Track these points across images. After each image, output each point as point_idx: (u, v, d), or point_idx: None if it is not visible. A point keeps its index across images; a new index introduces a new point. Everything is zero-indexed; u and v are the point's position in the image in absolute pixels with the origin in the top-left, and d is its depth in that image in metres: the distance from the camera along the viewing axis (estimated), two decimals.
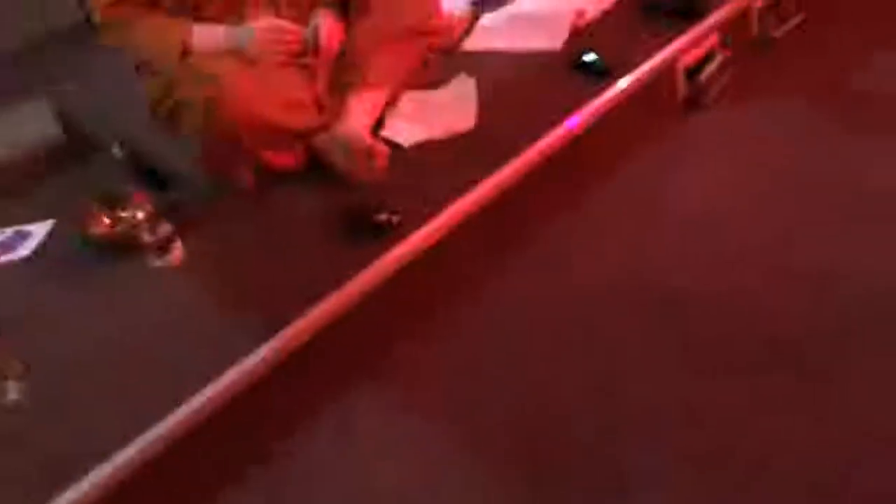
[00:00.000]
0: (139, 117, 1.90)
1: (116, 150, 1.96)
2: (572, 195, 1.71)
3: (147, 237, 1.51)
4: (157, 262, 1.52)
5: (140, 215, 1.55)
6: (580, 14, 2.14)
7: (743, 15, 2.10)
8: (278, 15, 1.77)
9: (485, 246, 1.58)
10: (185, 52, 1.68)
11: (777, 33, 2.17)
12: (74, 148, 2.05)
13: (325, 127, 1.70)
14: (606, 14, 2.17)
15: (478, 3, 2.39)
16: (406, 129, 1.78)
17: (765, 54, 2.13)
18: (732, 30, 2.06)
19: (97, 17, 1.74)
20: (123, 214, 1.61)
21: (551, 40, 2.07)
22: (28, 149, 2.03)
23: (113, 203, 1.62)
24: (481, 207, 1.55)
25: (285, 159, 1.70)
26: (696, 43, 1.96)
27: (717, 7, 2.04)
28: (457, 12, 2.26)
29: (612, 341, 1.38)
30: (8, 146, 2.03)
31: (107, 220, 1.61)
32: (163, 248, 1.51)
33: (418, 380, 1.38)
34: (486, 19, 2.28)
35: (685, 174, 1.77)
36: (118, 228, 1.59)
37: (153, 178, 1.78)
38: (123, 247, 1.55)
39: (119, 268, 1.55)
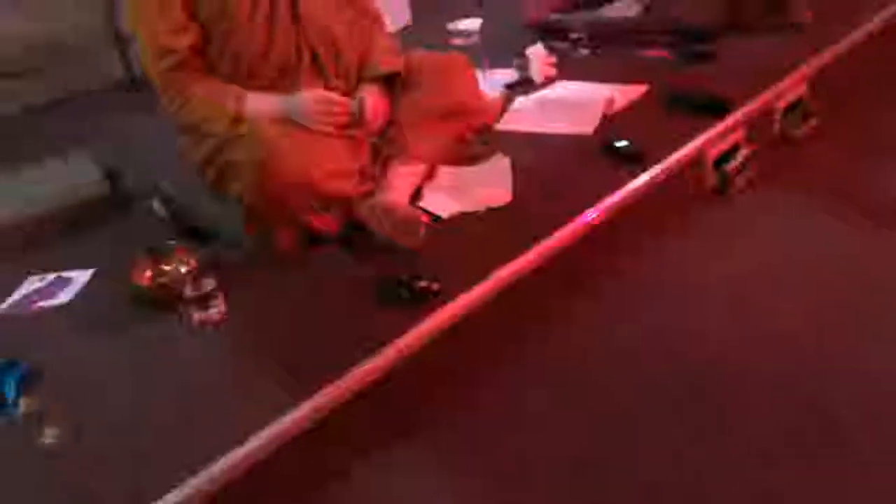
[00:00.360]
0: (183, 175, 1.98)
1: (157, 206, 2.02)
2: (604, 272, 1.76)
3: (189, 291, 1.54)
4: (199, 316, 1.54)
5: (183, 269, 1.59)
6: (610, 102, 2.25)
7: (766, 113, 2.20)
8: (327, 87, 1.85)
9: (519, 315, 1.61)
10: (238, 117, 1.76)
11: (798, 132, 2.26)
12: (117, 201, 2.12)
13: (367, 195, 1.77)
14: (634, 104, 2.28)
15: (512, 86, 2.51)
16: (444, 202, 1.84)
17: (787, 150, 2.22)
18: (756, 126, 2.15)
19: (155, 81, 1.82)
20: (167, 268, 1.66)
21: (583, 125, 2.16)
22: (73, 199, 2.09)
23: (157, 256, 1.67)
24: (520, 278, 1.59)
25: (327, 223, 1.75)
26: (722, 136, 2.05)
27: (742, 105, 2.14)
28: (493, 94, 2.38)
29: (637, 412, 1.39)
30: (54, 195, 2.10)
31: (149, 273, 1.65)
32: (204, 302, 1.54)
33: (452, 442, 1.38)
34: (519, 103, 2.39)
35: (713, 257, 1.82)
36: (161, 281, 1.63)
37: (195, 234, 1.83)
38: (166, 299, 1.58)
39: (159, 319, 1.57)
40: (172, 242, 1.71)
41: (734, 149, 2.08)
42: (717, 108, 2.12)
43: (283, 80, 1.83)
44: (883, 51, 2.58)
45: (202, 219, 1.86)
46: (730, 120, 2.09)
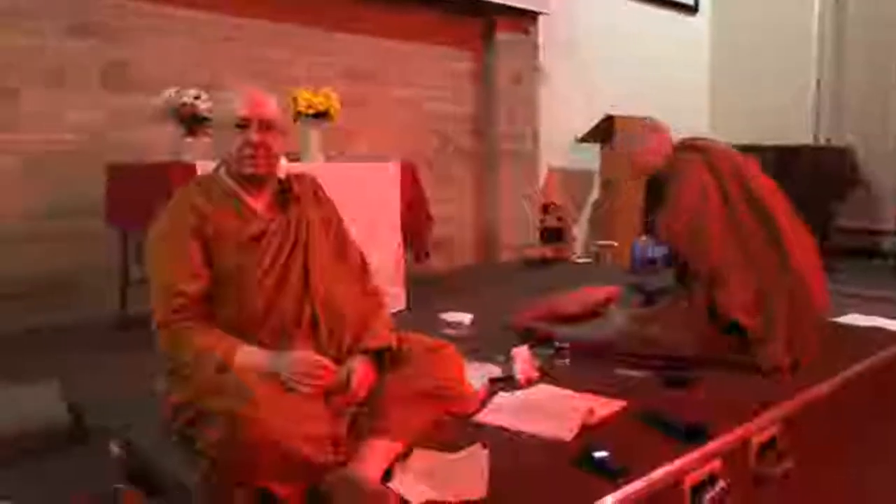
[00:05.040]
0: (150, 422, 1.92)
1: (115, 448, 1.93)
2: None
3: None
4: None
5: None
6: (590, 412, 2.27)
7: (742, 447, 2.22)
8: (318, 351, 1.90)
9: None
10: (225, 366, 1.77)
11: (772, 471, 2.25)
12: (76, 435, 2.02)
13: (337, 466, 1.70)
14: (613, 418, 2.30)
15: (495, 381, 2.56)
16: (416, 487, 1.76)
17: (762, 489, 2.19)
18: (732, 460, 2.15)
19: (157, 318, 1.87)
20: None
21: (562, 431, 2.16)
22: (29, 426, 1.99)
23: (100, 499, 1.55)
24: None
25: (287, 490, 1.66)
26: (700, 463, 2.04)
27: (718, 435, 2.17)
28: (476, 384, 2.41)
29: None
30: (11, 420, 2.01)
31: None
32: None
33: None
34: (501, 397, 2.42)
35: None
36: None
37: (147, 483, 1.71)
38: None
39: None
40: (120, 487, 1.60)
41: (711, 479, 2.06)
42: (694, 435, 2.14)
43: (278, 338, 1.88)
44: (862, 401, 2.68)
45: (158, 469, 1.76)
46: (707, 448, 2.09)
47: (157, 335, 1.85)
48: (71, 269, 3.62)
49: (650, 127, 3.09)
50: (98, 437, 2.01)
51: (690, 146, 2.99)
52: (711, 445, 2.12)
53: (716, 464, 2.09)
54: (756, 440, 2.25)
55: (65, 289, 3.59)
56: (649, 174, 3.10)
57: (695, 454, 2.04)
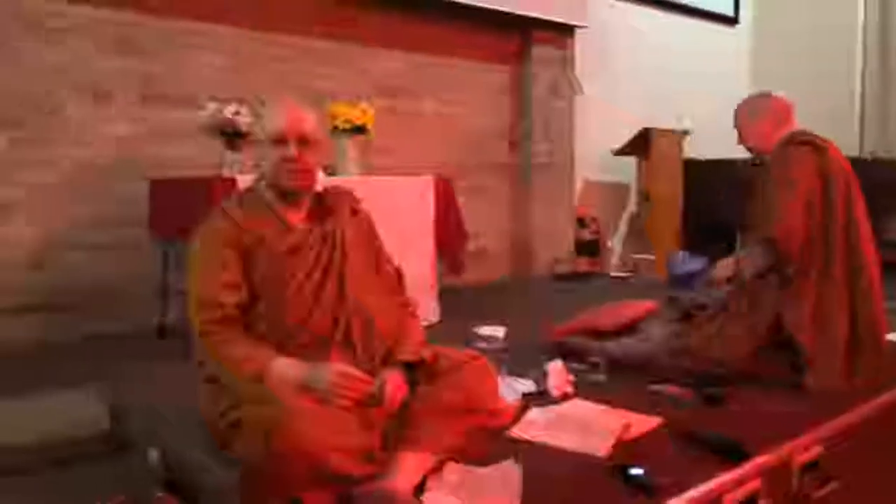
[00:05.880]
0: (188, 431, 1.96)
1: (152, 455, 1.96)
2: None
3: None
4: None
5: None
6: (626, 428, 2.24)
7: (783, 467, 2.16)
8: (352, 363, 1.91)
9: None
10: (261, 378, 1.79)
11: (817, 493, 2.19)
12: (117, 442, 2.06)
13: (369, 478, 1.70)
14: (648, 435, 2.26)
15: (529, 396, 2.54)
16: (448, 500, 1.76)
17: None
18: (773, 480, 2.10)
19: (195, 328, 1.90)
20: None
21: (596, 446, 2.13)
22: (70, 431, 2.04)
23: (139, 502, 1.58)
24: None
25: (321, 501, 1.67)
26: (739, 483, 1.99)
27: (758, 454, 2.12)
28: (511, 399, 2.40)
29: None
30: (54, 424, 2.06)
31: None
32: None
33: None
34: (534, 413, 2.40)
35: None
36: None
37: (183, 491, 1.74)
38: None
39: None
40: (159, 494, 1.63)
41: (751, 500, 2.01)
42: (733, 454, 2.10)
43: (313, 350, 1.90)
44: None
45: (195, 479, 1.79)
46: (747, 467, 2.05)
47: (195, 345, 1.88)
48: (113, 280, 3.71)
49: (774, 103, 2.87)
50: (137, 443, 2.04)
51: (809, 141, 2.76)
52: (751, 464, 2.07)
53: (756, 483, 2.03)
54: (798, 460, 2.19)
55: (108, 298, 3.68)
56: (755, 154, 2.92)
57: (734, 473, 2.00)
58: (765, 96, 2.94)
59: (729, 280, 2.85)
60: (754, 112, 2.91)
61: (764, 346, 2.73)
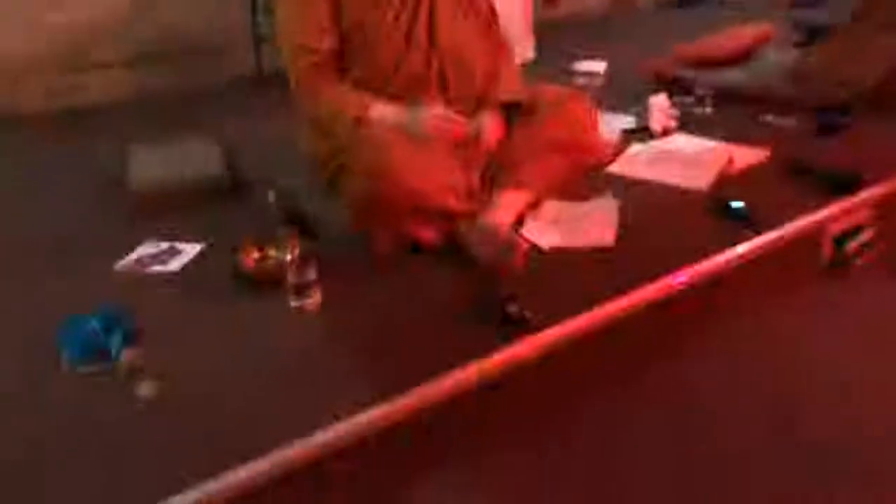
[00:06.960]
0: (299, 169, 2.07)
1: (271, 196, 2.11)
2: (701, 335, 1.70)
3: (291, 278, 1.59)
4: (295, 303, 1.60)
5: (287, 257, 1.65)
6: (729, 162, 2.19)
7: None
8: (448, 105, 1.90)
9: (604, 363, 1.58)
10: (361, 121, 1.83)
11: None
12: (234, 186, 2.23)
13: (471, 214, 1.79)
14: (753, 168, 2.21)
15: (630, 132, 2.49)
16: (546, 233, 1.84)
17: None
18: (883, 211, 2.04)
19: (291, 76, 1.91)
20: (272, 253, 1.73)
21: (698, 180, 2.11)
22: (192, 178, 2.21)
23: (265, 241, 1.74)
24: (611, 324, 1.56)
25: (428, 234, 1.78)
26: (845, 214, 1.96)
27: (871, 185, 2.04)
28: (610, 135, 2.37)
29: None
30: (176, 173, 2.23)
31: (257, 255, 1.74)
32: (303, 290, 1.59)
33: (499, 484, 1.36)
34: (635, 149, 2.37)
35: (818, 334, 1.73)
36: (266, 264, 1.71)
37: (302, 226, 1.89)
38: (267, 282, 1.65)
39: (257, 299, 1.64)
40: (281, 231, 1.78)
41: (857, 229, 1.99)
42: (844, 185, 2.03)
43: (409, 94, 1.89)
44: None
45: (311, 213, 1.93)
46: (857, 199, 1.99)
47: (293, 93, 1.91)
48: (203, 29, 3.70)
49: None
50: (254, 188, 2.20)
51: None
52: (861, 196, 2.01)
53: (863, 214, 1.99)
54: None
55: (200, 49, 3.70)
56: None
57: (842, 204, 1.95)
58: None
59: None
60: None
61: None
